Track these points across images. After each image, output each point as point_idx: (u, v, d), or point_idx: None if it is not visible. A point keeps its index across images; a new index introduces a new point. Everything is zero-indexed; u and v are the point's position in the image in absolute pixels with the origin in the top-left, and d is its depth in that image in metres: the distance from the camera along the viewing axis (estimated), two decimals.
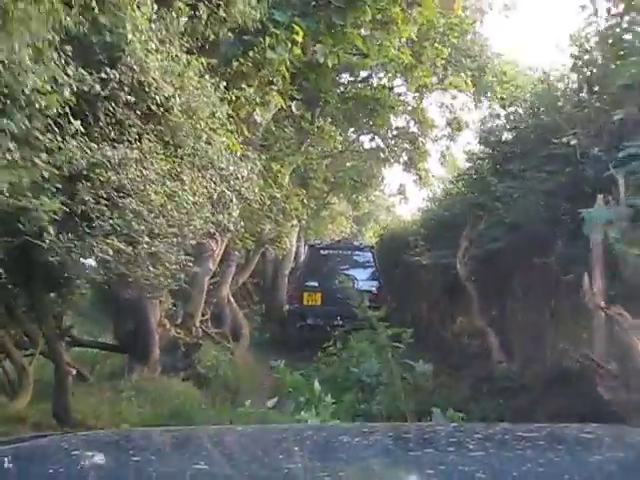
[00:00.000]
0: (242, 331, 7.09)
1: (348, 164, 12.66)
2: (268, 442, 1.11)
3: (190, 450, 1.05)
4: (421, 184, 12.66)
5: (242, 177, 3.36)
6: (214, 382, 4.47)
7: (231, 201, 3.28)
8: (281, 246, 7.58)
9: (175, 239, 2.51)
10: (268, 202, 5.80)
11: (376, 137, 11.84)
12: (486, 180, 5.02)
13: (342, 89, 9.27)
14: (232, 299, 6.93)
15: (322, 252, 8.85)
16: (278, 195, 6.16)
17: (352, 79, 9.31)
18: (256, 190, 4.04)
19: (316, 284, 8.43)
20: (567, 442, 1.03)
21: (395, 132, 11.67)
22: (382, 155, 11.70)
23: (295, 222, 7.79)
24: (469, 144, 7.41)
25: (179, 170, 2.55)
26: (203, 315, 5.74)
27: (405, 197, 13.86)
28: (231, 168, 3.10)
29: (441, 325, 7.28)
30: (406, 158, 12.12)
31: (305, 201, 7.31)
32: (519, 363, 4.57)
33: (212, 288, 6.33)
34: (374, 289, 8.42)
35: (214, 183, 2.92)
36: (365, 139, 12.58)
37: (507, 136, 5.34)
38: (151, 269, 2.31)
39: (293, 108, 6.19)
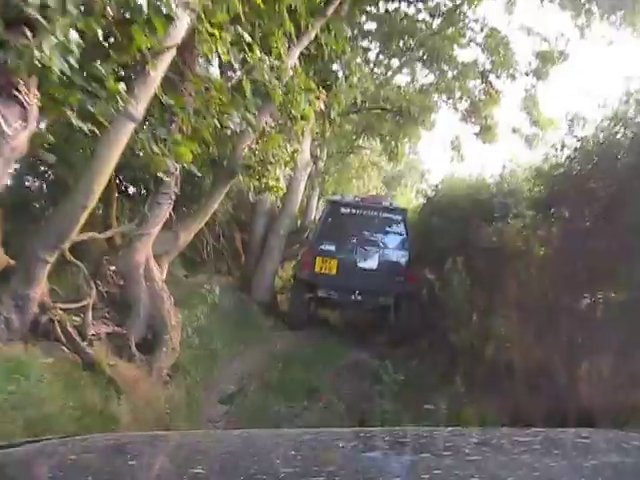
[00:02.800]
0: (165, 335, 4.22)
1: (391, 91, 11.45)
2: (264, 446, 1.27)
3: (186, 454, 1.18)
4: (484, 137, 11.14)
5: None
6: None
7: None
8: (270, 179, 5.55)
9: None
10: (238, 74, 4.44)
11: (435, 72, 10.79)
12: None
13: None
14: (156, 269, 4.47)
15: (343, 210, 7.91)
16: (267, 63, 4.38)
17: None
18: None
19: (333, 249, 7.58)
20: (563, 447, 1.20)
21: (459, 68, 10.43)
22: (437, 96, 10.63)
23: (298, 137, 6.07)
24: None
25: None
26: (79, 301, 3.70)
27: (460, 153, 12.34)
28: None
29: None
30: (467, 104, 10.82)
31: (322, 104, 5.54)
32: None
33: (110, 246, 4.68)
34: (403, 262, 7.65)
35: None
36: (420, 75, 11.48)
37: None
38: None
39: None
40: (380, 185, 17.91)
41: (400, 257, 7.63)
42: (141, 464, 1.06)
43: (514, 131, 10.97)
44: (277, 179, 5.43)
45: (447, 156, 12.43)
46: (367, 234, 7.91)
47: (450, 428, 1.30)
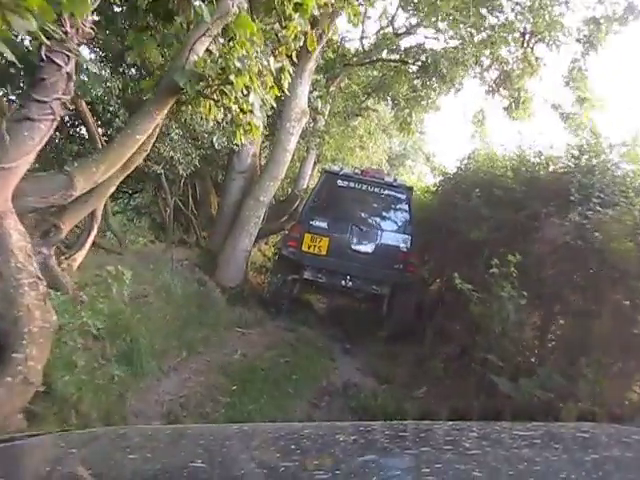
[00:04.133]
0: (15, 351, 3.05)
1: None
2: (264, 440, 1.60)
3: (186, 448, 1.51)
4: (514, 113, 11.95)
5: None
6: None
7: None
8: (234, 102, 4.31)
9: None
10: None
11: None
12: None
13: None
14: (15, 232, 3.23)
15: (340, 183, 8.66)
16: None
17: None
18: None
19: (324, 225, 8.33)
20: (563, 441, 1.52)
21: (494, 30, 11.03)
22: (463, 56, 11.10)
23: (288, 45, 5.18)
24: None
25: None
26: None
27: (482, 126, 13.24)
28: None
29: None
30: (495, 75, 11.51)
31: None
32: None
33: None
34: (403, 247, 8.37)
35: None
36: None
37: None
38: None
39: None
40: (384, 160, 19.28)
41: (400, 242, 8.35)
42: (142, 458, 1.35)
43: (555, 108, 11.59)
44: (250, 108, 4.22)
45: (464, 134, 13.85)
46: (365, 212, 8.68)
47: (450, 422, 1.64)
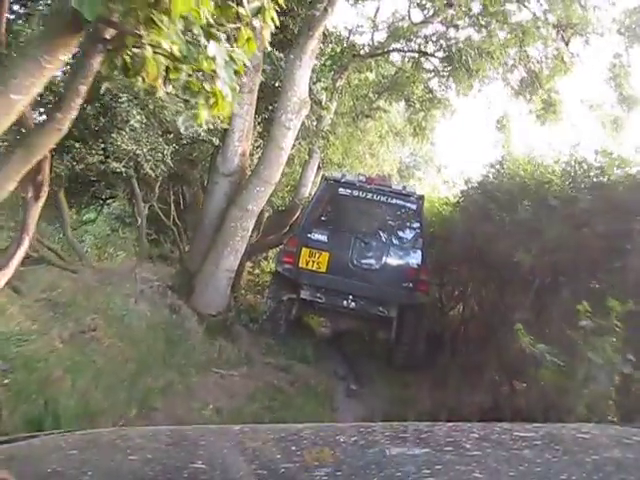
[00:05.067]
0: None
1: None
2: (265, 442, 1.89)
3: (187, 449, 1.80)
4: (544, 116, 12.68)
5: None
6: None
7: None
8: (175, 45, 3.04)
9: None
10: None
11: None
12: None
13: None
14: None
15: (342, 191, 9.26)
16: None
17: None
18: None
19: (324, 239, 8.91)
20: (564, 442, 1.81)
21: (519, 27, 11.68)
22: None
23: None
24: None
25: None
26: None
27: (507, 132, 13.99)
28: None
29: None
30: (522, 74, 12.16)
31: None
32: None
33: None
34: (413, 264, 8.89)
35: None
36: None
37: None
38: None
39: None
40: (396, 168, 20.77)
41: (410, 257, 8.89)
42: (142, 459, 1.62)
43: (592, 108, 12.28)
44: (212, 67, 3.19)
45: (480, 143, 14.31)
46: (370, 224, 9.28)
47: (451, 423, 1.96)
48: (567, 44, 11.74)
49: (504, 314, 6.54)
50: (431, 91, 14.04)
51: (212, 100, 3.44)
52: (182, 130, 8.01)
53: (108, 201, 11.86)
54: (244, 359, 7.63)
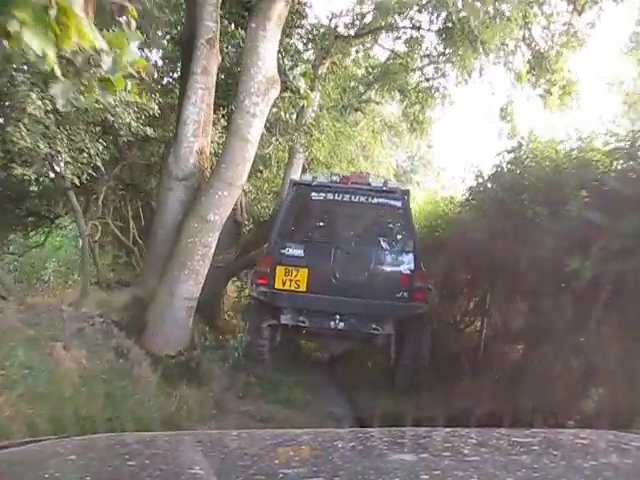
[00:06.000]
0: None
1: None
2: (263, 447, 2.25)
3: (185, 455, 2.16)
4: (553, 101, 13.35)
5: None
6: None
7: None
8: None
9: None
10: None
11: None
12: None
13: None
14: None
15: (315, 196, 9.59)
16: None
17: None
18: None
19: (300, 253, 9.20)
20: (562, 447, 2.12)
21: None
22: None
23: None
24: None
25: None
26: None
27: (511, 122, 14.48)
28: None
29: None
30: (526, 57, 12.70)
31: None
32: None
33: None
34: (406, 270, 9.17)
35: None
36: None
37: None
38: None
39: None
40: (393, 172, 21.63)
41: (401, 263, 9.25)
42: (140, 464, 1.93)
43: (611, 86, 13.01)
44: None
45: (480, 139, 15.20)
46: (351, 230, 9.68)
47: (449, 429, 2.33)
48: (580, 14, 12.33)
49: (547, 335, 6.26)
50: (427, 79, 14.72)
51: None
52: (59, 106, 6.70)
53: (58, 220, 11.89)
54: (213, 409, 7.32)
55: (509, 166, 8.84)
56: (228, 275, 12.63)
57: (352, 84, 15.30)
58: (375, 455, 2.13)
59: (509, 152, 8.98)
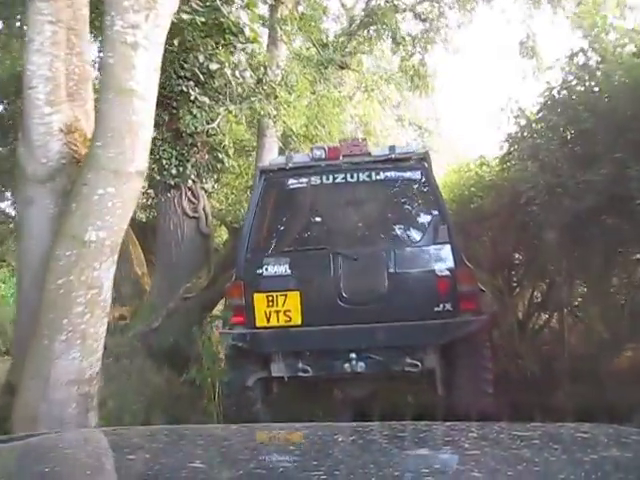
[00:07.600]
0: None
1: None
2: (263, 441, 2.32)
3: (185, 449, 2.20)
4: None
5: None
6: None
7: None
8: None
9: None
10: None
11: None
12: None
13: None
14: None
15: (293, 183, 7.17)
16: None
17: None
18: None
19: (285, 269, 6.79)
20: (562, 441, 2.15)
21: None
22: None
23: None
24: None
25: None
26: None
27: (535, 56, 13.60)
28: None
29: None
30: None
31: None
32: None
33: None
34: (442, 266, 6.69)
35: None
36: None
37: None
38: None
39: None
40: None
41: (435, 261, 6.73)
42: (140, 458, 1.99)
43: None
44: None
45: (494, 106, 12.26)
46: (353, 225, 7.18)
47: (449, 423, 2.36)
48: None
49: None
50: (423, 19, 13.50)
51: None
52: None
53: None
54: None
55: (575, 82, 6.87)
56: (202, 307, 9.96)
57: (328, 32, 13.58)
58: (375, 449, 2.16)
59: (571, 57, 6.84)
